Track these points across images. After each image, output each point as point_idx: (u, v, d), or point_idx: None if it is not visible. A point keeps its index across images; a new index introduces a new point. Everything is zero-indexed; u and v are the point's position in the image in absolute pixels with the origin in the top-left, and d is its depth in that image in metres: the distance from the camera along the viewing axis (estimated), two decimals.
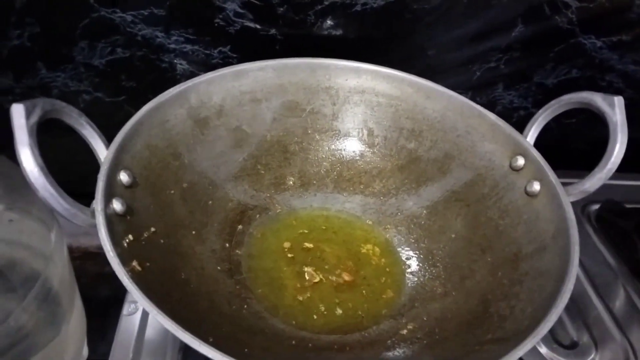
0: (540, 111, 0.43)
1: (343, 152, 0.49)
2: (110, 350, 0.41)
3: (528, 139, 0.43)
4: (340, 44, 0.52)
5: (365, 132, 0.48)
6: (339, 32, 0.52)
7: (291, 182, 0.48)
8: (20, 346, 0.36)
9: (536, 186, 0.39)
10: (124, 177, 0.34)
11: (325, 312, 0.39)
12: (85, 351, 0.45)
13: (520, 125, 0.44)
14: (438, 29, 0.53)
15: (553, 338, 0.43)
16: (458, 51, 0.55)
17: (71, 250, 0.55)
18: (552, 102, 0.42)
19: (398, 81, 0.47)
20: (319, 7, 0.49)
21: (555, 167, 0.40)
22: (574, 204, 0.38)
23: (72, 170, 0.43)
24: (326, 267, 0.43)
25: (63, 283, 0.39)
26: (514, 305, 0.34)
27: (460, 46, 0.54)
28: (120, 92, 0.53)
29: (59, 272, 0.39)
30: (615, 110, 0.38)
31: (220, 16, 0.49)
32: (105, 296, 0.53)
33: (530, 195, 0.40)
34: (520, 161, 0.41)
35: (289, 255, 0.43)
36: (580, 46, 0.55)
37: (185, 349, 0.41)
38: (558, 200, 0.37)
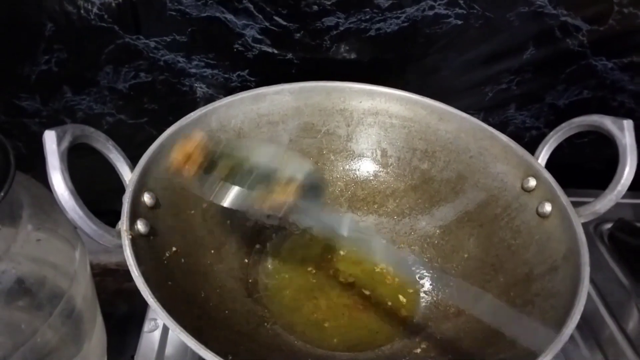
0: (552, 133, 0.44)
1: (357, 172, 0.50)
2: None
3: (539, 160, 0.43)
4: (355, 67, 0.54)
5: (379, 152, 0.50)
6: (353, 56, 0.53)
7: None
8: None
9: (547, 207, 0.40)
10: (147, 198, 0.36)
11: (340, 330, 0.40)
12: None
13: (533, 145, 0.45)
14: (450, 52, 0.54)
15: (566, 358, 0.44)
16: (470, 73, 0.56)
17: (91, 267, 0.56)
18: (563, 124, 0.43)
19: (411, 103, 0.48)
20: (335, 32, 0.51)
21: (567, 185, 0.41)
22: (586, 223, 0.38)
23: (95, 190, 0.44)
24: (341, 286, 0.43)
25: (86, 301, 0.41)
26: (526, 325, 0.35)
27: (473, 68, 0.55)
28: (142, 114, 0.55)
29: (82, 290, 0.40)
30: (624, 133, 0.38)
31: (240, 42, 0.51)
32: (124, 312, 0.54)
33: (542, 216, 0.40)
34: (532, 182, 0.42)
35: (305, 274, 0.44)
36: (591, 68, 0.56)
37: None
38: (569, 221, 0.38)
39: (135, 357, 0.42)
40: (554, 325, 0.32)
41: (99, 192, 0.44)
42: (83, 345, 0.41)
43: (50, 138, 0.31)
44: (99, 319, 0.44)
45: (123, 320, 0.52)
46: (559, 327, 0.31)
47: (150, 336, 0.43)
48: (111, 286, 0.56)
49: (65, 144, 0.32)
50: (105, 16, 0.48)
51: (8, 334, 0.36)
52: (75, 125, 0.34)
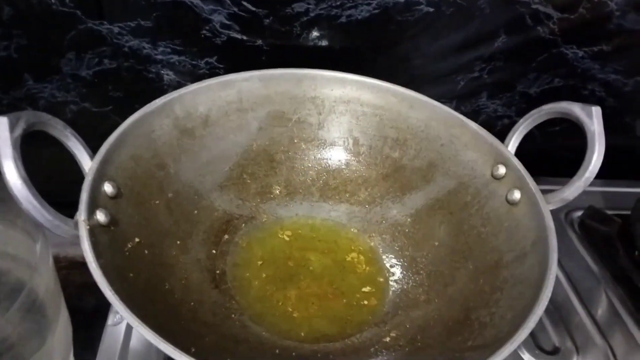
0: (521, 120, 0.43)
1: (329, 161, 0.49)
2: None
3: (509, 147, 0.43)
4: (326, 54, 0.53)
5: (350, 141, 0.49)
6: (324, 43, 0.52)
7: (277, 191, 0.48)
8: (5, 357, 0.36)
9: (517, 194, 0.40)
10: (108, 188, 0.35)
11: (309, 321, 0.39)
12: None
13: (504, 134, 0.44)
14: (422, 40, 0.54)
15: (535, 344, 0.44)
16: (442, 61, 0.55)
17: (57, 260, 0.55)
18: (533, 111, 0.43)
19: (382, 91, 0.47)
20: (305, 18, 0.50)
21: (539, 174, 0.41)
22: (557, 211, 0.38)
23: (58, 180, 0.43)
24: (311, 275, 0.43)
25: (48, 293, 0.39)
26: (494, 312, 0.35)
27: (445, 56, 0.55)
28: (107, 102, 0.53)
29: (44, 283, 0.39)
30: (593, 120, 0.38)
31: (207, 27, 0.49)
32: (92, 306, 0.53)
33: (511, 203, 0.40)
34: (502, 170, 0.42)
35: (274, 264, 0.43)
36: (562, 56, 0.56)
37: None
38: (538, 208, 0.38)
39: (98, 350, 0.41)
40: (522, 312, 0.32)
41: (63, 183, 0.42)
42: (46, 339, 0.40)
43: (2, 125, 0.29)
44: (64, 313, 0.43)
45: (90, 314, 0.51)
46: (527, 313, 0.31)
47: (115, 329, 0.42)
48: (78, 279, 0.55)
49: (19, 131, 0.30)
50: (67, 0, 0.46)
51: None
52: (30, 112, 0.32)
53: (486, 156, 0.43)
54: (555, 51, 0.56)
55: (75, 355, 0.45)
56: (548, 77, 0.58)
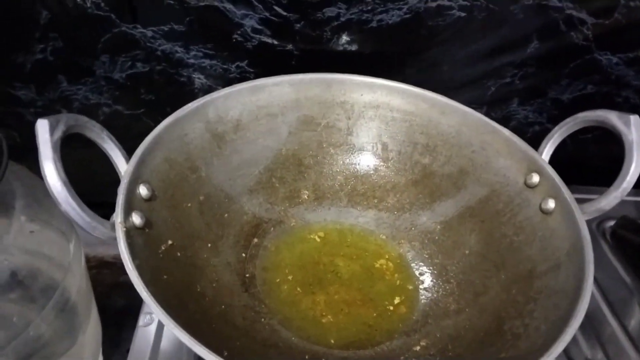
0: (556, 128, 0.43)
1: (357, 166, 0.49)
2: (124, 359, 0.42)
3: (543, 155, 0.42)
4: (356, 59, 0.53)
5: (379, 146, 0.49)
6: (354, 47, 0.52)
7: (305, 196, 0.48)
8: (38, 355, 0.37)
9: (551, 204, 0.39)
10: (143, 190, 0.35)
11: (337, 327, 0.39)
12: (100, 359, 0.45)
13: (535, 141, 0.44)
14: (453, 45, 0.53)
15: (567, 356, 0.43)
16: (473, 67, 0.55)
17: (88, 260, 0.56)
18: (568, 119, 0.42)
19: (413, 96, 0.47)
20: (336, 23, 0.50)
21: (570, 182, 0.40)
22: (588, 220, 0.38)
23: (91, 181, 0.44)
24: (340, 281, 0.43)
25: (80, 293, 0.40)
26: (527, 323, 0.34)
27: (476, 62, 0.55)
28: (139, 105, 0.54)
29: (77, 283, 0.39)
30: (630, 129, 0.38)
31: (239, 32, 0.50)
32: (121, 305, 0.54)
33: (545, 212, 0.40)
34: (535, 178, 0.41)
35: (303, 268, 0.43)
36: (596, 62, 0.55)
37: None
38: (573, 218, 0.37)
39: (129, 351, 0.42)
40: (557, 324, 0.31)
41: (97, 184, 0.43)
42: (77, 338, 0.41)
43: (42, 127, 0.30)
44: (94, 312, 0.44)
45: (119, 313, 0.51)
46: (562, 325, 0.31)
47: (146, 330, 0.42)
48: (108, 279, 0.56)
49: (59, 133, 0.31)
50: (102, 4, 0.47)
51: (1, 326, 0.36)
52: (69, 115, 0.33)
53: (519, 164, 0.43)
54: (588, 57, 0.55)
55: (103, 353, 0.46)
56: (581, 83, 0.57)
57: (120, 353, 0.48)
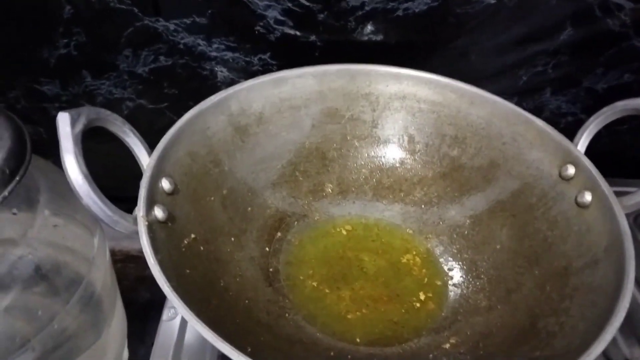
0: (592, 118, 0.41)
1: (383, 159, 0.48)
2: (149, 354, 0.42)
3: (579, 147, 0.41)
4: (381, 49, 0.52)
5: (405, 138, 0.47)
6: (379, 37, 0.51)
7: (329, 190, 0.47)
8: (63, 349, 0.37)
9: (588, 197, 0.37)
10: (165, 184, 0.35)
11: (363, 323, 0.38)
12: (125, 354, 0.45)
13: (569, 132, 0.42)
14: (483, 33, 0.51)
15: (605, 356, 0.41)
16: (503, 55, 0.53)
17: (113, 254, 0.56)
18: (605, 108, 0.40)
19: (440, 87, 0.46)
20: (360, 12, 0.49)
21: (605, 175, 0.38)
22: (626, 214, 0.36)
23: (114, 175, 0.44)
24: (365, 276, 0.42)
25: (105, 287, 0.40)
26: (563, 321, 0.33)
27: (506, 50, 0.53)
28: (163, 99, 0.54)
29: (102, 276, 0.39)
30: None
31: (261, 24, 0.49)
32: (146, 299, 0.54)
33: (581, 206, 0.38)
34: (571, 170, 0.39)
35: (327, 263, 0.42)
36: (634, 50, 0.53)
37: (224, 356, 0.41)
38: (611, 212, 0.35)
39: (153, 345, 0.41)
40: (596, 323, 0.30)
41: (120, 178, 0.43)
42: (102, 332, 0.41)
43: (63, 120, 0.30)
44: (119, 306, 0.44)
45: (144, 307, 0.51)
46: (601, 324, 0.29)
47: (170, 324, 0.42)
48: (133, 273, 0.56)
49: (80, 126, 0.31)
50: None
51: (26, 320, 0.36)
52: (91, 108, 0.32)
53: (553, 155, 0.41)
54: (625, 45, 0.53)
55: (129, 347, 0.45)
56: (617, 72, 0.54)
57: (145, 347, 0.48)
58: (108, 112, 0.34)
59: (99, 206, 0.30)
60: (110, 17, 0.48)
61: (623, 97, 0.40)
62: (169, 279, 0.29)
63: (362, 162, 0.48)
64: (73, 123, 0.30)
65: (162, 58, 0.51)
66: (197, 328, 0.26)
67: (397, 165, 0.48)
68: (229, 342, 0.27)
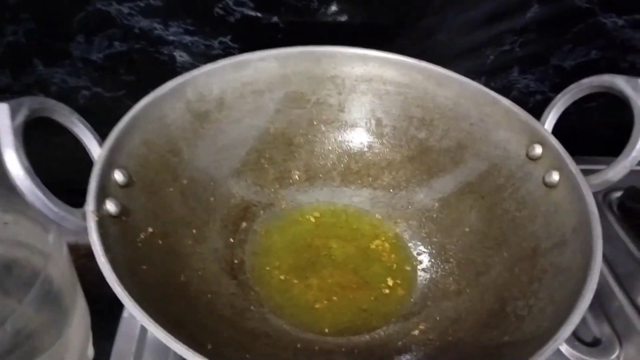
0: (559, 96, 0.40)
1: (350, 144, 0.47)
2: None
3: (546, 125, 0.40)
4: (346, 30, 0.50)
5: (373, 122, 0.46)
6: (344, 18, 0.49)
7: (296, 176, 0.46)
8: (21, 350, 0.35)
9: (555, 176, 0.37)
10: (118, 176, 0.33)
11: (332, 312, 0.38)
12: (90, 351, 0.44)
13: (537, 111, 0.41)
14: (449, 12, 0.50)
15: (574, 335, 0.41)
16: (470, 35, 0.52)
17: (77, 248, 0.54)
18: (572, 86, 0.39)
19: (407, 68, 0.44)
20: None
21: (574, 153, 0.38)
22: (594, 192, 0.35)
23: (72, 166, 0.42)
24: (334, 264, 0.41)
25: (64, 283, 0.38)
26: (532, 304, 0.32)
27: (473, 29, 0.52)
28: (120, 86, 0.51)
29: (59, 273, 0.38)
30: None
31: (220, 5, 0.47)
32: (113, 294, 0.52)
33: (549, 185, 0.37)
34: (538, 150, 0.39)
35: (295, 252, 0.41)
36: (600, 26, 0.52)
37: None
38: (579, 191, 0.35)
39: (114, 343, 0.40)
40: (565, 305, 0.29)
41: (79, 169, 0.41)
42: (63, 330, 0.39)
43: (2, 112, 0.28)
44: (81, 302, 0.42)
45: (111, 302, 0.49)
46: (569, 306, 0.29)
47: (131, 321, 0.41)
48: (98, 267, 0.54)
49: (21, 117, 0.29)
50: None
51: None
52: (33, 98, 0.30)
53: (520, 135, 0.40)
54: (592, 21, 0.52)
55: (94, 345, 0.44)
56: (584, 49, 0.54)
57: (111, 343, 0.46)
58: (53, 102, 0.32)
59: (43, 202, 0.28)
60: (60, 1, 0.45)
61: (591, 74, 0.39)
62: (121, 277, 0.28)
63: (330, 148, 0.47)
64: (13, 114, 0.28)
65: (116, 43, 0.48)
66: (150, 328, 0.25)
67: (365, 149, 0.47)
68: (189, 340, 0.25)
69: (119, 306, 0.45)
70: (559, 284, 0.32)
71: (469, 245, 0.40)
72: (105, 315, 0.45)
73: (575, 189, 0.35)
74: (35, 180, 0.28)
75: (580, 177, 0.36)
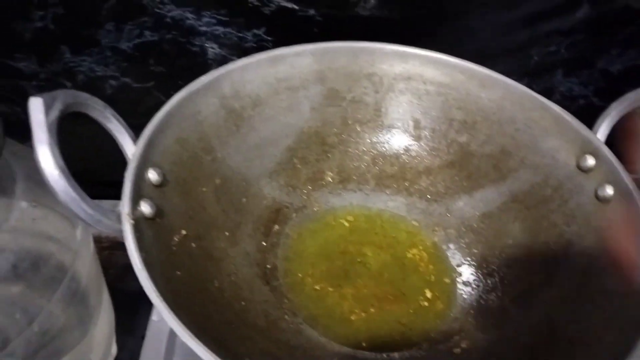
0: (614, 104, 0.38)
1: (386, 145, 0.45)
2: (139, 346, 0.39)
3: (599, 135, 0.38)
4: (385, 26, 0.48)
5: (411, 123, 0.44)
6: (383, 12, 0.47)
7: (329, 178, 0.44)
8: (47, 350, 0.34)
9: (609, 191, 0.35)
10: (153, 175, 0.31)
11: (368, 325, 0.36)
12: (114, 349, 0.43)
13: (580, 116, 0.39)
14: (493, 9, 0.48)
15: None
16: (514, 34, 0.50)
17: (99, 240, 0.53)
18: (630, 94, 0.37)
19: (449, 67, 0.42)
20: None
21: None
22: None
23: (101, 157, 0.40)
24: (369, 273, 0.39)
25: (90, 280, 0.38)
26: (585, 328, 0.30)
27: (518, 28, 0.49)
28: (149, 77, 0.50)
29: (86, 269, 0.37)
30: None
31: None
32: (135, 288, 0.51)
33: (602, 200, 0.35)
34: (590, 161, 0.37)
35: (328, 258, 0.40)
36: None
37: None
38: (636, 208, 0.33)
39: (142, 347, 0.39)
40: (625, 331, 0.27)
41: (108, 160, 0.39)
42: (89, 329, 0.38)
43: (36, 107, 0.26)
44: (106, 299, 0.41)
45: (133, 297, 0.49)
46: (631, 334, 0.27)
47: (160, 324, 0.40)
48: (121, 260, 0.53)
49: (56, 113, 0.27)
50: None
51: (4, 321, 0.33)
52: (67, 91, 0.29)
53: (570, 144, 0.38)
54: None
55: (117, 340, 0.43)
56: (635, 52, 0.51)
57: (135, 339, 0.45)
58: (87, 96, 0.30)
59: (77, 203, 0.27)
60: None
61: (638, 80, 0.37)
62: (157, 284, 0.26)
63: (364, 149, 0.45)
64: (47, 110, 0.27)
65: (147, 33, 0.47)
66: (190, 344, 0.24)
67: (402, 152, 0.45)
68: (226, 352, 0.24)
69: (142, 301, 0.44)
70: (615, 309, 0.30)
71: (512, 259, 0.38)
72: (127, 310, 0.44)
73: (632, 205, 0.33)
74: (70, 181, 0.26)
75: (637, 193, 0.34)
